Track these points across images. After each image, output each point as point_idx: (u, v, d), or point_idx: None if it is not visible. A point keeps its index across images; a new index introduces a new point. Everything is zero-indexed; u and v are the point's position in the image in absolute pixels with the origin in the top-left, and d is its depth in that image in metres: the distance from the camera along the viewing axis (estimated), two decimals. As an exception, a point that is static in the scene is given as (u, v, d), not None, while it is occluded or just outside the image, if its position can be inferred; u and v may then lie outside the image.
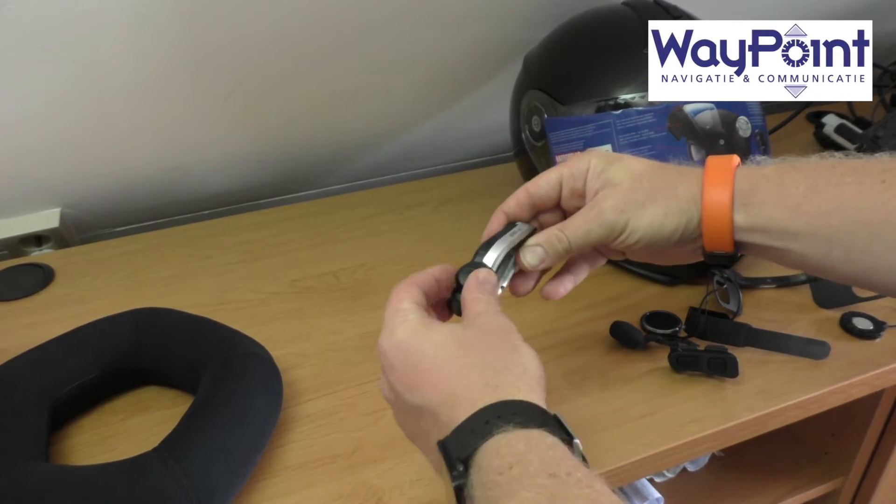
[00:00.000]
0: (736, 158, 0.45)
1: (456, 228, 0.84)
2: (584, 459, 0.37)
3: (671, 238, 0.45)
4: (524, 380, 0.38)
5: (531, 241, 0.47)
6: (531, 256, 0.47)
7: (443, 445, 0.37)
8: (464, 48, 0.86)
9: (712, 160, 0.45)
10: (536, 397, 0.37)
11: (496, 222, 0.49)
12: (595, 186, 0.47)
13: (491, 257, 0.45)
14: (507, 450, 0.34)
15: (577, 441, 0.37)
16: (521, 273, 0.49)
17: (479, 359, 0.39)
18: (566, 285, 0.51)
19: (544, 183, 0.48)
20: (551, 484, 0.32)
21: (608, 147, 0.67)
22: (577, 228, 0.46)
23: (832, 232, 0.41)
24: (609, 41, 0.71)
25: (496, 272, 0.45)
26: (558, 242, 0.46)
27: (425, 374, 0.39)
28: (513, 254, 0.47)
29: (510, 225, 0.48)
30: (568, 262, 0.52)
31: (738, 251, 0.45)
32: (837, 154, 0.44)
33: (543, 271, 0.51)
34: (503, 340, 0.40)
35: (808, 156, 0.44)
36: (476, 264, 0.45)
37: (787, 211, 0.43)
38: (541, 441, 0.35)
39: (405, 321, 0.41)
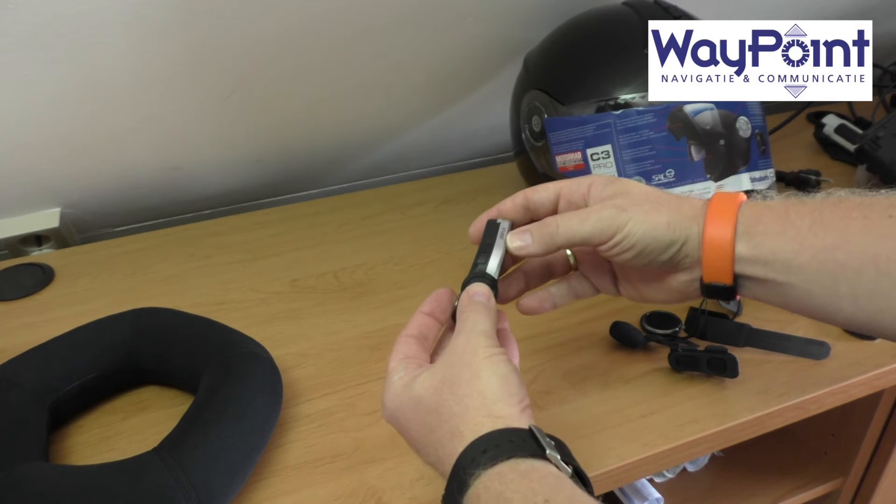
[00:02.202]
0: (742, 195, 0.45)
1: (456, 228, 0.84)
2: (566, 461, 0.37)
3: (667, 251, 0.44)
4: (484, 409, 0.38)
5: (523, 227, 0.47)
6: (516, 239, 0.46)
7: None
8: (464, 48, 0.87)
9: (718, 194, 0.45)
10: (503, 419, 0.38)
11: (486, 218, 0.49)
12: (600, 196, 0.46)
13: (493, 265, 0.46)
14: (486, 494, 0.35)
15: (549, 452, 0.37)
16: (502, 280, 0.49)
17: (444, 409, 0.39)
18: (544, 305, 0.50)
19: (543, 191, 0.48)
20: None
21: (608, 147, 0.67)
22: (571, 216, 0.45)
23: (838, 267, 0.40)
24: (609, 41, 0.71)
25: (497, 279, 0.46)
26: (546, 227, 0.45)
27: (417, 439, 0.41)
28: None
29: (493, 226, 0.48)
30: (556, 282, 0.51)
31: (737, 284, 0.44)
32: (843, 191, 0.43)
33: (528, 285, 0.51)
34: (464, 370, 0.40)
35: (815, 194, 0.44)
36: (482, 275, 0.45)
37: (790, 243, 0.41)
38: (513, 473, 0.36)
39: (389, 387, 0.42)
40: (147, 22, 0.67)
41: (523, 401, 0.40)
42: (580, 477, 0.38)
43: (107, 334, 0.59)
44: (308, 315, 0.70)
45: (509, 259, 0.49)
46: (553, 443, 0.38)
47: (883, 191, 0.42)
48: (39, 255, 0.83)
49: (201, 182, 0.91)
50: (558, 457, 0.37)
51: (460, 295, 0.45)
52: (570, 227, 0.44)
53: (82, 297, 0.73)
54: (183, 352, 0.58)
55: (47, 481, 0.46)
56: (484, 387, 0.39)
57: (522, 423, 0.38)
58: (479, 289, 0.44)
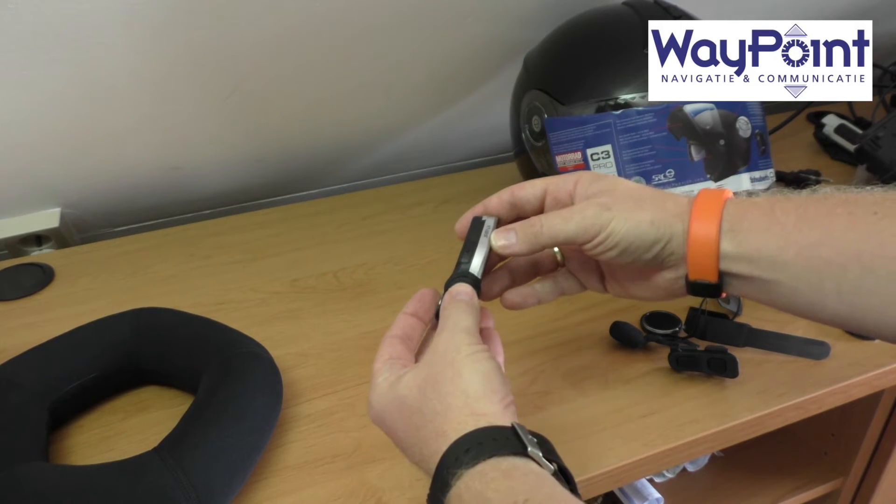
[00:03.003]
0: (728, 191, 0.45)
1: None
2: (549, 458, 0.37)
3: (651, 249, 0.44)
4: (467, 408, 0.38)
5: (508, 226, 0.47)
6: (500, 238, 0.46)
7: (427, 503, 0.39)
8: (464, 48, 0.86)
9: (704, 191, 0.45)
10: (486, 417, 0.38)
11: (472, 215, 0.48)
12: (585, 194, 0.46)
13: (476, 264, 0.46)
14: (467, 494, 0.35)
15: (530, 449, 0.37)
16: (487, 277, 0.49)
17: (428, 408, 0.39)
18: (528, 300, 0.50)
19: (529, 187, 0.48)
20: None
21: (608, 147, 0.67)
22: (555, 216, 0.45)
23: (823, 264, 0.40)
24: (609, 41, 0.71)
25: (481, 278, 0.46)
26: (530, 226, 0.45)
27: (403, 439, 0.41)
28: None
29: (478, 223, 0.47)
30: (542, 279, 0.51)
31: (722, 282, 0.44)
32: (829, 188, 0.43)
33: (514, 282, 0.51)
34: (446, 369, 0.40)
35: (800, 191, 0.44)
36: (465, 274, 0.45)
37: (775, 240, 0.41)
38: (495, 472, 0.36)
39: (375, 387, 0.43)
40: (147, 22, 0.67)
41: (506, 398, 0.40)
42: (563, 474, 0.38)
43: (107, 334, 0.59)
44: (308, 315, 0.70)
45: (495, 257, 0.48)
46: (535, 440, 0.38)
47: (868, 187, 0.41)
48: (39, 255, 0.83)
49: (201, 182, 0.91)
50: (540, 454, 0.37)
51: (444, 294, 0.45)
52: (554, 226, 0.44)
53: (82, 297, 0.73)
54: (183, 352, 0.58)
55: (47, 481, 0.46)
56: (466, 385, 0.39)
57: (506, 420, 0.38)
58: (462, 288, 0.44)
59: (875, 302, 0.39)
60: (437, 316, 0.46)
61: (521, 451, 0.37)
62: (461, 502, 0.36)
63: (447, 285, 0.46)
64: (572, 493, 0.36)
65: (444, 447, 0.37)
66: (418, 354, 0.45)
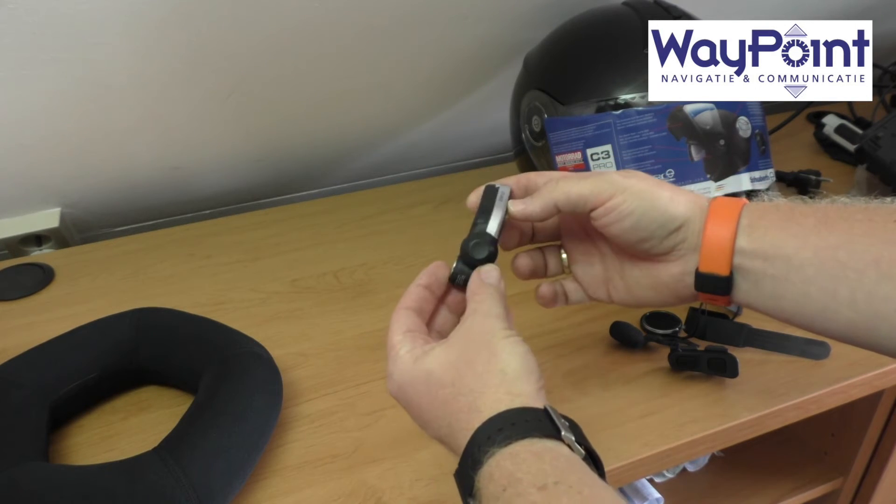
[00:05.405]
0: (745, 199, 0.45)
1: (456, 228, 0.83)
2: (578, 442, 0.38)
3: (665, 226, 0.44)
4: (504, 387, 0.39)
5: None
6: (518, 203, 0.46)
7: (456, 479, 0.38)
8: (464, 48, 0.86)
9: (720, 197, 0.45)
10: (522, 397, 0.38)
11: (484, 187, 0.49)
12: None
13: (493, 225, 0.46)
14: (498, 472, 0.35)
15: (563, 433, 0.37)
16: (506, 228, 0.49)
17: (462, 384, 0.39)
18: (557, 300, 0.51)
19: (545, 176, 0.48)
20: (540, 498, 0.34)
21: (608, 147, 0.67)
22: (571, 176, 0.45)
23: (839, 267, 0.40)
24: (609, 41, 0.71)
25: (498, 239, 0.46)
26: (546, 187, 0.46)
27: (427, 412, 0.41)
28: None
29: (492, 190, 0.48)
30: (549, 282, 0.51)
31: (732, 280, 0.44)
32: (847, 198, 0.43)
33: (519, 240, 0.51)
34: (482, 350, 0.40)
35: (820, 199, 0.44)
36: (482, 234, 0.45)
37: (793, 239, 0.41)
38: (527, 453, 0.36)
39: (397, 360, 0.42)
40: (146, 22, 0.67)
41: (540, 380, 0.40)
42: (592, 458, 0.38)
43: (107, 334, 0.59)
44: (308, 315, 0.70)
45: (516, 234, 0.49)
46: (567, 423, 0.38)
47: (888, 199, 0.42)
48: (39, 255, 0.83)
49: (201, 182, 0.91)
50: (573, 438, 0.37)
51: (458, 257, 0.45)
52: (569, 183, 0.45)
53: (82, 297, 0.73)
54: (183, 352, 0.58)
55: (47, 481, 0.46)
56: (504, 365, 0.39)
57: (538, 402, 0.38)
58: (492, 272, 0.44)
59: (891, 310, 0.39)
60: (451, 280, 0.46)
61: (554, 435, 0.37)
62: (492, 480, 0.36)
63: (464, 245, 0.45)
64: (601, 477, 0.36)
65: (476, 423, 0.37)
66: (429, 327, 0.46)
